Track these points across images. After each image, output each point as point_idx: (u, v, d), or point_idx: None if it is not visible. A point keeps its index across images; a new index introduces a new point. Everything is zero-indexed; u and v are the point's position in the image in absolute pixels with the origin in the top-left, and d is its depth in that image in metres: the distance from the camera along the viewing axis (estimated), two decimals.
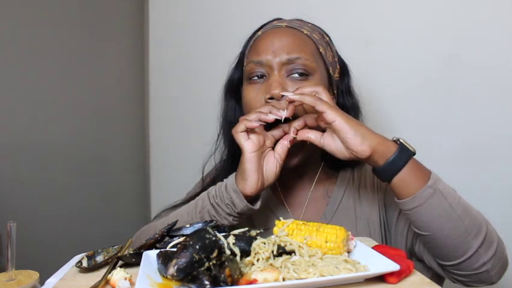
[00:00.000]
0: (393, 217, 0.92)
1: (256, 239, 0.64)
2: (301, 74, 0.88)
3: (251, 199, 0.81)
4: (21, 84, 1.37)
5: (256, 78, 0.90)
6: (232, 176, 0.83)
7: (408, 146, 0.76)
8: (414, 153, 0.76)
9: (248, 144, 0.80)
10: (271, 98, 0.86)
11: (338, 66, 0.97)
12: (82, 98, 1.56)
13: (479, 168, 1.35)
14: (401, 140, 0.77)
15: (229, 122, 1.00)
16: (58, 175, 1.48)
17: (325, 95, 0.79)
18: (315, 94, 0.79)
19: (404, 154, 0.75)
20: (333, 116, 0.74)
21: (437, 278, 0.88)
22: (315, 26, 0.98)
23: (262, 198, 0.85)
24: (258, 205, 0.83)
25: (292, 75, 0.88)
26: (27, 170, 1.38)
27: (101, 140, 1.64)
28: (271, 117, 0.78)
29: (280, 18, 0.99)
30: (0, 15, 1.31)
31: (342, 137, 0.75)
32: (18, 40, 1.36)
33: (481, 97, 1.34)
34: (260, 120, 0.79)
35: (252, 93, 0.91)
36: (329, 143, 0.78)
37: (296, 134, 0.81)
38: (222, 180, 0.85)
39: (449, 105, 1.37)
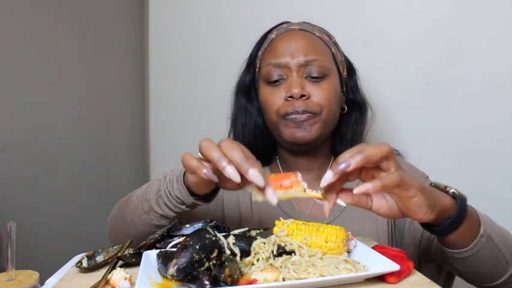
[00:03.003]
0: (405, 221, 0.92)
1: (256, 239, 0.64)
2: (318, 76, 0.92)
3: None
4: (21, 84, 1.37)
5: (274, 80, 0.94)
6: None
7: (462, 196, 0.69)
8: (466, 202, 0.69)
9: (192, 178, 0.70)
10: (290, 97, 0.90)
11: (345, 65, 1.01)
12: (82, 98, 1.56)
13: (479, 167, 1.35)
14: (455, 192, 0.69)
15: (240, 123, 1.03)
16: (58, 175, 1.48)
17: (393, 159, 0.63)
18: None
19: (463, 211, 0.68)
20: (415, 191, 0.61)
21: (446, 278, 0.89)
22: (322, 28, 1.01)
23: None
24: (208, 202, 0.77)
25: (309, 77, 0.93)
26: (27, 169, 1.38)
27: (101, 140, 1.64)
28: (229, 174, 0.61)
29: (289, 22, 1.02)
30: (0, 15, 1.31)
31: (412, 209, 0.63)
32: (18, 40, 1.35)
33: (481, 97, 1.34)
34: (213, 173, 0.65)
35: (270, 94, 0.94)
36: (380, 205, 0.64)
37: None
38: None
39: (449, 105, 1.37)
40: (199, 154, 0.67)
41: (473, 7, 1.34)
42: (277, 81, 0.94)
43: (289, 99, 0.91)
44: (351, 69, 1.03)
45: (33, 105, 1.40)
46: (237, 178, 0.60)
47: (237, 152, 0.62)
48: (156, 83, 1.73)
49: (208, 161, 0.64)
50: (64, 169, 1.50)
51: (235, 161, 0.61)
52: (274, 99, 0.93)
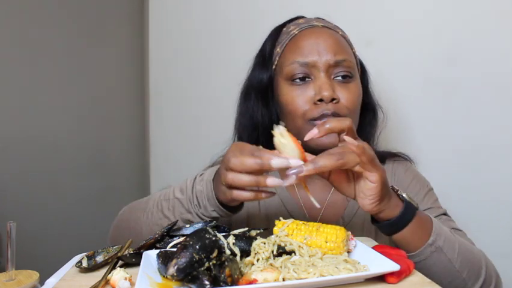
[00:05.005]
0: None
1: (256, 239, 0.64)
2: (344, 77, 0.88)
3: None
4: (21, 84, 1.36)
5: (298, 79, 0.89)
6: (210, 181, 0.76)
7: (412, 202, 0.72)
8: (417, 209, 0.72)
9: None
10: (320, 100, 0.86)
11: (359, 64, 0.99)
12: (82, 98, 1.56)
13: (479, 167, 1.35)
14: (405, 197, 0.72)
15: (254, 123, 0.97)
16: (58, 175, 1.48)
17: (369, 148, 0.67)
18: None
19: (407, 215, 0.70)
20: (377, 178, 0.66)
21: None
22: (336, 25, 0.98)
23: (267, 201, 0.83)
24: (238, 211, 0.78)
25: (336, 78, 0.88)
26: (27, 169, 1.38)
27: (101, 139, 1.64)
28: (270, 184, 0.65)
29: (304, 17, 0.99)
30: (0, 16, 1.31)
31: (364, 193, 0.68)
32: (18, 40, 1.35)
33: (481, 97, 1.34)
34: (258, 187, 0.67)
35: (295, 95, 0.88)
36: (339, 179, 0.70)
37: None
38: None
39: (450, 105, 1.37)
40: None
41: (473, 7, 1.34)
42: (302, 80, 0.88)
43: (318, 102, 0.86)
44: (363, 69, 1.00)
45: (33, 105, 1.40)
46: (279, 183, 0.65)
47: (244, 177, 0.65)
48: (156, 82, 1.73)
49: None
50: (63, 169, 1.50)
51: (250, 185, 0.65)
52: (300, 101, 0.87)
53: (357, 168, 0.65)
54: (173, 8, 1.68)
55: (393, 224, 0.70)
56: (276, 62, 0.94)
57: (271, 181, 0.64)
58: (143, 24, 1.76)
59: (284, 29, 0.96)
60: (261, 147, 0.67)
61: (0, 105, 1.31)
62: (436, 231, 0.73)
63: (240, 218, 0.97)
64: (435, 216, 0.89)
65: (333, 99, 0.86)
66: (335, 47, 0.88)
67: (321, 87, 0.86)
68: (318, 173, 0.65)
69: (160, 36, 1.71)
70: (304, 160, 0.65)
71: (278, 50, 0.94)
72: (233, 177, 0.66)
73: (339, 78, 0.88)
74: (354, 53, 0.95)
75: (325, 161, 0.62)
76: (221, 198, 0.73)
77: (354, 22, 1.43)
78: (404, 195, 0.72)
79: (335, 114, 0.86)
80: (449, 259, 0.73)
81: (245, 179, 0.65)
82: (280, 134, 0.66)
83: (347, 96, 0.88)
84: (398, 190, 0.73)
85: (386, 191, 0.68)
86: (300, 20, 0.96)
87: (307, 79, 0.89)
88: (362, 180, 0.67)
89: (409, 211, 0.71)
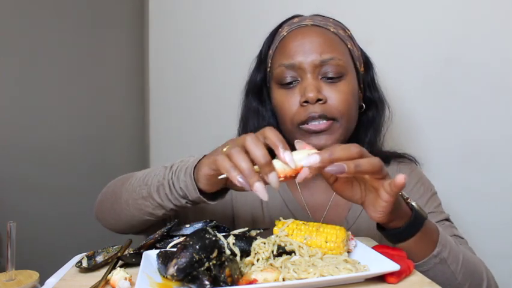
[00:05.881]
0: None
1: (256, 239, 0.64)
2: (334, 76, 0.86)
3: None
4: (20, 84, 1.36)
5: (287, 82, 0.87)
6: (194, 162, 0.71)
7: (421, 211, 0.70)
8: (425, 219, 0.70)
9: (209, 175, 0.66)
10: (306, 102, 0.84)
11: (362, 59, 0.96)
12: (82, 98, 1.56)
13: (479, 167, 1.35)
14: (414, 206, 0.69)
15: (252, 125, 0.96)
16: (58, 175, 1.48)
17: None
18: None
19: (415, 225, 0.68)
20: (390, 199, 0.63)
21: None
22: (336, 20, 0.96)
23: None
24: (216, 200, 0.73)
25: (325, 77, 0.86)
26: (27, 170, 1.38)
27: (101, 140, 1.64)
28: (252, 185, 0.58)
29: (301, 15, 0.97)
30: None
31: (374, 208, 0.65)
32: (18, 40, 1.35)
33: (481, 97, 1.34)
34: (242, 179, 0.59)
35: (284, 99, 0.88)
36: (343, 187, 0.68)
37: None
38: None
39: (449, 106, 1.37)
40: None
41: (473, 7, 1.34)
42: (290, 83, 0.87)
43: (305, 104, 0.84)
44: (367, 64, 0.98)
45: (33, 106, 1.40)
46: (263, 193, 0.58)
47: (244, 161, 0.58)
48: (156, 83, 1.73)
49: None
50: (64, 169, 1.50)
51: (243, 172, 0.58)
52: (288, 105, 0.86)
53: (375, 184, 0.63)
54: (174, 8, 1.68)
55: (400, 233, 0.68)
56: (269, 65, 0.93)
57: (258, 187, 0.57)
58: (144, 24, 1.76)
59: (280, 29, 0.95)
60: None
61: (1, 106, 1.31)
62: (442, 242, 0.71)
63: (245, 220, 0.97)
64: (438, 221, 0.89)
65: (319, 100, 0.84)
66: (322, 46, 0.86)
67: (305, 88, 0.84)
68: (324, 174, 0.64)
69: (160, 36, 1.71)
70: (287, 176, 0.60)
71: (270, 52, 0.94)
72: (235, 151, 0.59)
73: (328, 77, 0.86)
74: (349, 49, 0.91)
75: (367, 166, 0.60)
76: (201, 169, 0.68)
77: (354, 22, 1.44)
78: (414, 203, 0.70)
79: (322, 116, 0.84)
80: (452, 271, 0.71)
81: (242, 162, 0.58)
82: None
83: (335, 96, 0.85)
84: (407, 198, 0.70)
85: (396, 205, 0.65)
86: (295, 20, 0.95)
87: (295, 82, 0.88)
88: (373, 194, 0.65)
89: (417, 221, 0.69)
